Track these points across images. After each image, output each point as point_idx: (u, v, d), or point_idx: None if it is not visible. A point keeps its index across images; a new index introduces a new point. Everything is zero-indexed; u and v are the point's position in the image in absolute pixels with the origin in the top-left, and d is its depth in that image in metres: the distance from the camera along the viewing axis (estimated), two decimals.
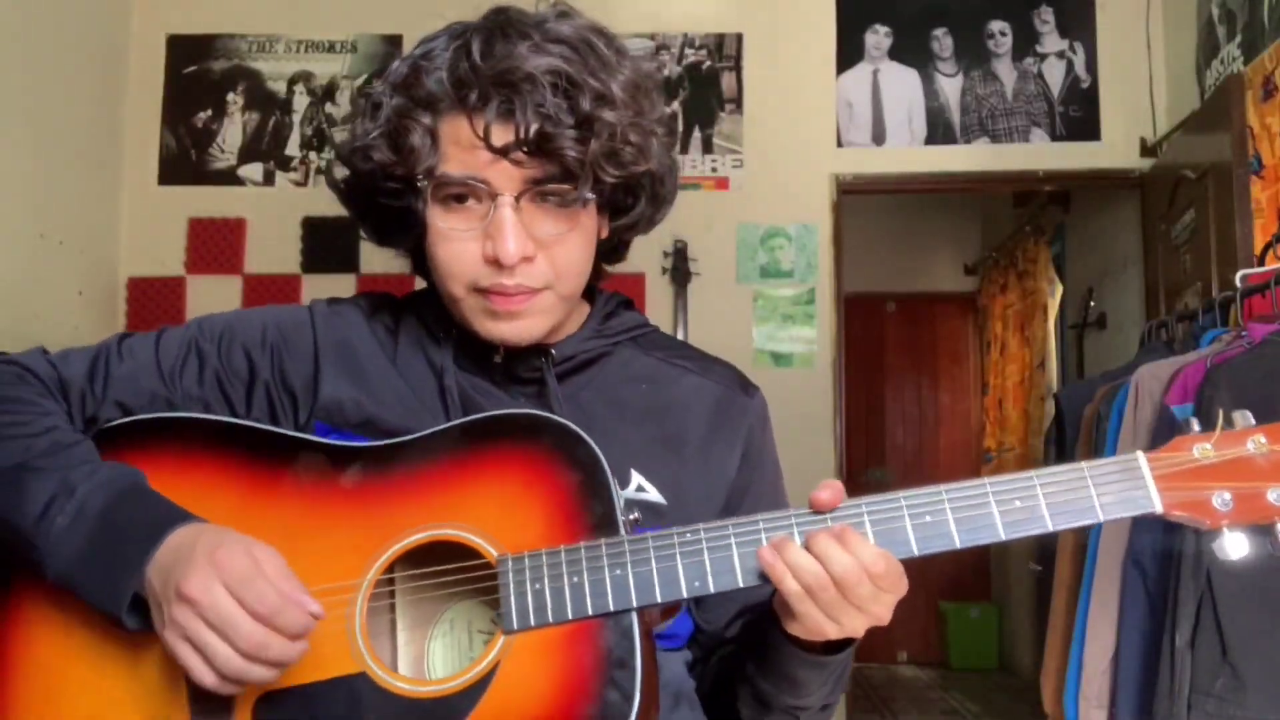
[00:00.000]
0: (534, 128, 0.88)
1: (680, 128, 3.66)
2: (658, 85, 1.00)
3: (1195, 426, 0.83)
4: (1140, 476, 0.82)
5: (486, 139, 0.89)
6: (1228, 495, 0.81)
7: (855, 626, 0.84)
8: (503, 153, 0.89)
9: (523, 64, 0.88)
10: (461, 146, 0.91)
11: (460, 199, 0.93)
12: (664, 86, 1.02)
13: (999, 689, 5.74)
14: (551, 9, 0.96)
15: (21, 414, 0.92)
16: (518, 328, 0.97)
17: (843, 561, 0.81)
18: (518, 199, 0.91)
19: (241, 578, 0.80)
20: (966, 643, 6.17)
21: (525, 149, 0.89)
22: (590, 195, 0.93)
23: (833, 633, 0.85)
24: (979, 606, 6.22)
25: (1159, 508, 0.81)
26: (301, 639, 0.81)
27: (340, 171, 1.02)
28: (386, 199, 0.98)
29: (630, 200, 1.01)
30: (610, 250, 1.07)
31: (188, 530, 0.85)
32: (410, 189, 0.94)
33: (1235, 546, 0.81)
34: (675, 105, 3.68)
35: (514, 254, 0.91)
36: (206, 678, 0.80)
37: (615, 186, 0.95)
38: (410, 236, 1.01)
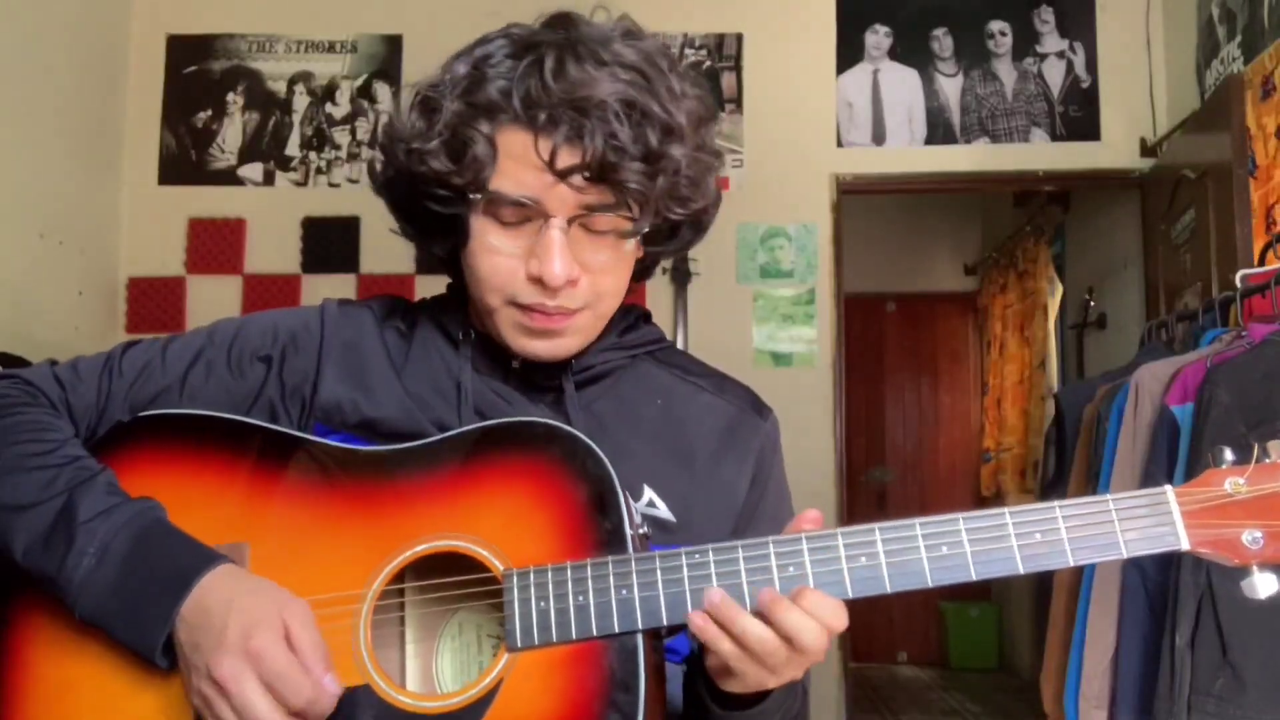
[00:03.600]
0: (600, 155, 0.87)
1: None
2: (714, 113, 0.99)
3: (1229, 457, 0.80)
4: (1168, 512, 0.78)
5: (551, 161, 0.88)
6: (1259, 533, 0.77)
7: (795, 674, 0.83)
8: (564, 175, 0.88)
9: (596, 89, 0.87)
10: (517, 161, 0.89)
11: (511, 214, 0.92)
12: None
13: (999, 689, 5.74)
14: (617, 25, 0.94)
15: (42, 441, 0.92)
16: (551, 346, 0.96)
17: (797, 623, 0.78)
18: (569, 223, 0.91)
19: (278, 672, 0.80)
20: (966, 643, 6.17)
21: (587, 175, 0.88)
22: (646, 228, 0.93)
23: (772, 684, 0.83)
24: (979, 606, 6.21)
25: (1186, 545, 0.78)
26: None
27: (381, 165, 1.00)
28: (432, 203, 0.96)
29: (670, 231, 1.00)
30: (642, 270, 1.06)
31: (215, 584, 0.84)
32: (461, 198, 0.93)
33: (1265, 586, 0.77)
34: None
35: (561, 278, 0.90)
36: None
37: (688, 209, 0.95)
38: (449, 240, 0.99)
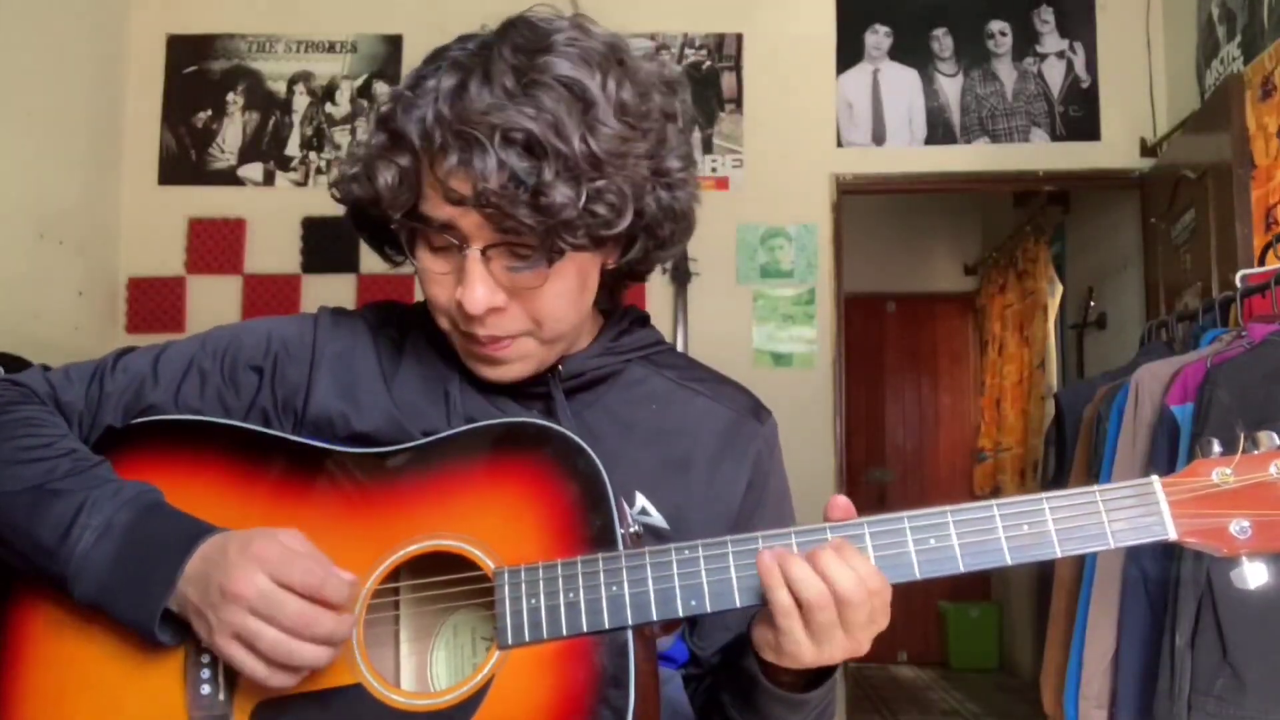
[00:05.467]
0: (489, 187, 0.84)
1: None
2: (675, 115, 0.94)
3: (1216, 448, 0.80)
4: (1155, 502, 0.79)
5: (445, 188, 0.87)
6: (1246, 523, 0.77)
7: (834, 653, 0.81)
8: (459, 204, 0.87)
9: (486, 117, 0.84)
10: (433, 188, 0.89)
11: (437, 240, 0.92)
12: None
13: (999, 689, 5.74)
14: (568, 25, 0.91)
15: (41, 434, 0.92)
16: (498, 371, 0.96)
17: (846, 576, 0.78)
18: (486, 250, 0.89)
19: (281, 560, 0.81)
20: (966, 643, 6.17)
21: (480, 205, 0.85)
22: (555, 254, 0.89)
23: (809, 658, 0.81)
24: (979, 606, 6.22)
25: (1173, 535, 0.78)
26: (348, 612, 0.82)
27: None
28: (364, 228, 0.99)
29: (628, 241, 0.97)
30: (627, 273, 1.04)
31: (215, 540, 0.86)
32: (386, 224, 0.94)
33: (1255, 575, 0.77)
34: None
35: (480, 306, 0.90)
36: (258, 669, 0.81)
37: (596, 237, 0.90)
38: (407, 258, 1.00)
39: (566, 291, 0.93)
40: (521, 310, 0.92)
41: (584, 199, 0.86)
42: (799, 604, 0.79)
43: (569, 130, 0.85)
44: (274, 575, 0.81)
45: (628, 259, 0.99)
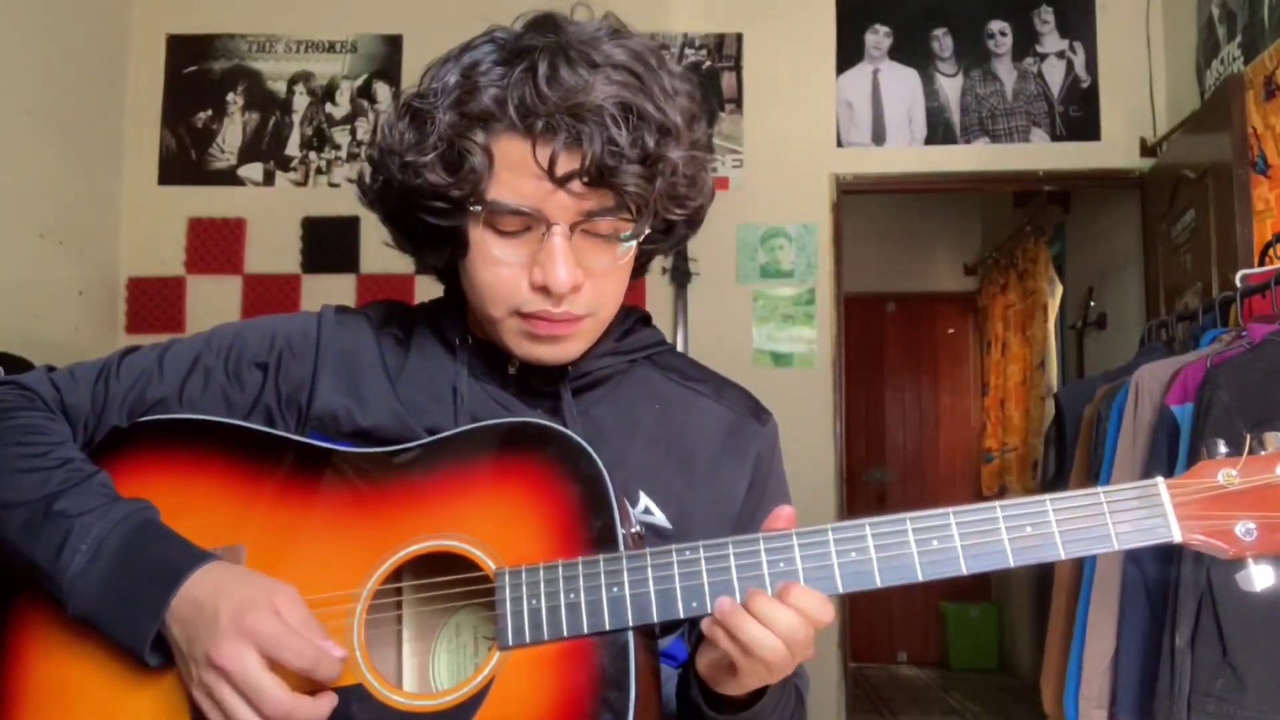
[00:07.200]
0: (599, 160, 0.86)
1: None
2: (704, 108, 0.98)
3: (1222, 449, 0.80)
4: (1159, 504, 0.78)
5: (551, 168, 0.87)
6: (1251, 525, 0.76)
7: (787, 672, 0.83)
8: (563, 182, 0.87)
9: (591, 94, 0.86)
10: (515, 170, 0.89)
11: (511, 224, 0.91)
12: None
13: (999, 689, 5.74)
14: (603, 25, 0.93)
15: (36, 444, 0.92)
16: (555, 351, 0.96)
17: (790, 623, 0.79)
18: (571, 229, 0.90)
19: (275, 640, 0.81)
20: (966, 643, 6.17)
21: (586, 180, 0.87)
22: (647, 230, 0.92)
23: (769, 683, 0.84)
24: (979, 606, 6.22)
25: (1178, 537, 0.77)
26: (328, 696, 0.83)
27: (371, 178, 0.99)
28: (428, 216, 0.94)
29: (666, 229, 0.99)
30: (637, 267, 1.05)
31: (205, 578, 0.85)
32: (458, 210, 0.92)
33: (1261, 578, 0.77)
34: None
35: (567, 284, 0.90)
36: None
37: (686, 208, 0.95)
38: (445, 251, 0.98)
39: (626, 273, 0.97)
40: (592, 290, 0.94)
41: (680, 165, 0.91)
42: (756, 659, 0.80)
43: (660, 99, 0.90)
44: (265, 652, 0.81)
45: (660, 245, 1.01)
